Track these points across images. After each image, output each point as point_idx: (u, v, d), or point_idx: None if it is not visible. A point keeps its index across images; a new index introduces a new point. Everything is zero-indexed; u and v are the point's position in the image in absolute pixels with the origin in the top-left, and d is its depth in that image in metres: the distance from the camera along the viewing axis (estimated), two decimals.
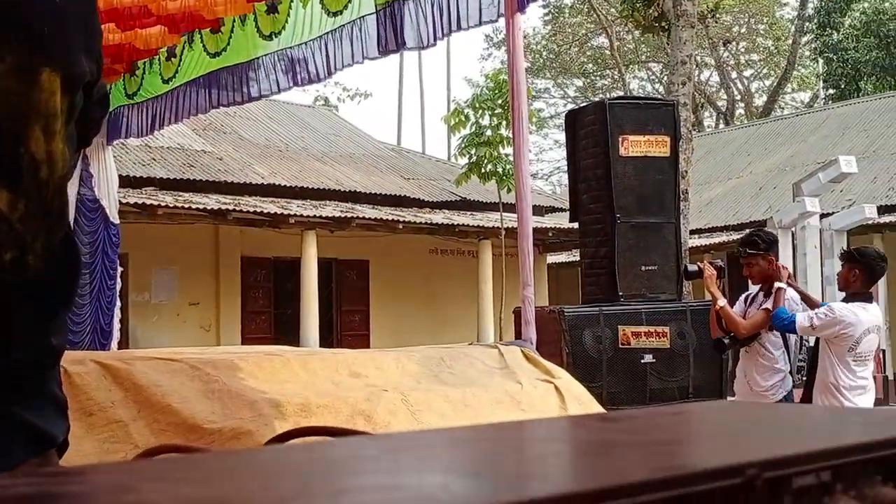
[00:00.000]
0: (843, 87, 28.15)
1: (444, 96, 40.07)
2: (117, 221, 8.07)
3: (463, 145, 15.51)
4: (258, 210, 14.61)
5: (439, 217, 16.93)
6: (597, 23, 33.21)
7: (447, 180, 18.68)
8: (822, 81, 30.64)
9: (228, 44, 6.53)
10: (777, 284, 5.28)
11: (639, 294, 6.90)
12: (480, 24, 4.97)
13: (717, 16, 30.23)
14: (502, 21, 4.87)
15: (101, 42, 1.27)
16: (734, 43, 35.09)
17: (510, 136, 6.43)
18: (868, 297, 5.22)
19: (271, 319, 16.79)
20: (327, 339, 16.22)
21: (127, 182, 12.67)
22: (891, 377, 14.68)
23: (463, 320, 17.06)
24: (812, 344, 5.86)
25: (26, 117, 1.10)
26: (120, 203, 8.56)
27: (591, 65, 37.51)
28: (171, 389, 3.10)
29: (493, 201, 16.45)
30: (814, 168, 14.64)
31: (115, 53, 6.83)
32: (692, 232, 16.58)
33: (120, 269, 8.21)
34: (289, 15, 6.07)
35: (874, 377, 5.43)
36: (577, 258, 9.62)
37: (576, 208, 7.40)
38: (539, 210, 17.62)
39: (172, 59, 7.03)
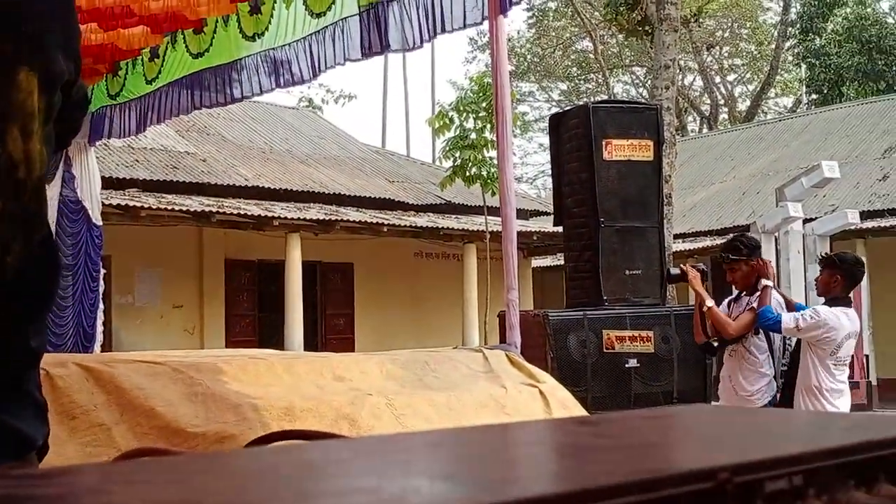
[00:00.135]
0: (825, 92, 28.31)
1: (429, 99, 40.18)
2: (100, 223, 8.03)
3: (447, 148, 15.48)
4: (242, 212, 14.53)
5: (424, 220, 16.89)
6: (581, 26, 33.34)
7: (432, 183, 18.63)
8: (804, 86, 30.79)
9: (211, 44, 6.51)
10: (763, 282, 5.27)
11: (623, 298, 6.91)
12: (465, 26, 4.97)
13: (701, 20, 30.42)
14: (486, 24, 4.88)
15: (79, 41, 1.26)
16: (717, 47, 35.27)
17: (494, 139, 6.42)
18: (848, 302, 5.28)
19: (255, 322, 16.71)
20: (312, 343, 16.16)
21: (110, 183, 12.60)
22: (874, 382, 14.77)
23: (447, 324, 17.04)
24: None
25: (3, 117, 1.09)
26: (103, 204, 8.53)
27: (575, 68, 37.61)
28: (155, 393, 3.08)
29: (477, 205, 16.44)
30: (797, 173, 14.71)
31: (98, 53, 6.79)
32: (676, 236, 16.64)
33: (103, 272, 8.17)
34: (272, 16, 6.05)
35: (858, 382, 5.49)
36: (562, 262, 9.63)
37: (560, 212, 7.41)
38: (524, 214, 17.62)
39: (155, 59, 7.00)
